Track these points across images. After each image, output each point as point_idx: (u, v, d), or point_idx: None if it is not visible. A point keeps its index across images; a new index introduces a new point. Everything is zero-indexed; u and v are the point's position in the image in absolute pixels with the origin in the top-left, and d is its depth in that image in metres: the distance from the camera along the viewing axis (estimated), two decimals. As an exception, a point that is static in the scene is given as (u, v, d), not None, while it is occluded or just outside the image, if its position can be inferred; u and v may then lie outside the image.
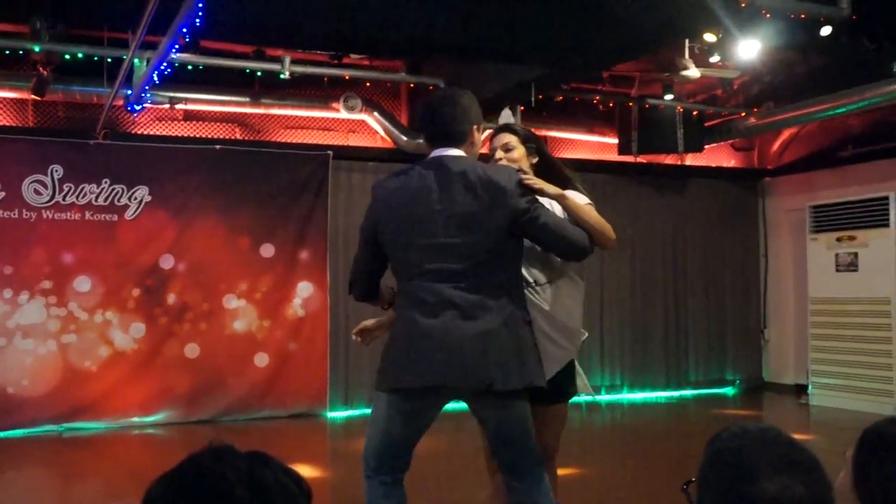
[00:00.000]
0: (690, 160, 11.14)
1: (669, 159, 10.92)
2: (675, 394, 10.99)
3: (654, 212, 11.04)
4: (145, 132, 9.25)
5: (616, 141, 10.38)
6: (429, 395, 3.44)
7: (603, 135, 10.59)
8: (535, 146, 3.95)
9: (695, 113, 10.17)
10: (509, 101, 9.02)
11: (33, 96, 8.43)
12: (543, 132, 10.57)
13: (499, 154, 3.88)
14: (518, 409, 3.44)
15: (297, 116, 9.76)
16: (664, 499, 6.00)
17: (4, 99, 8.79)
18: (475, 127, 3.61)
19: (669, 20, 6.81)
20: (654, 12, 6.72)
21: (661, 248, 11.08)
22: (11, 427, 8.33)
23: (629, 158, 10.45)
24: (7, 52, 7.97)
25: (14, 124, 8.88)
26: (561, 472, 6.79)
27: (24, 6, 7.49)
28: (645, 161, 10.73)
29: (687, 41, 8.17)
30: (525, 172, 3.57)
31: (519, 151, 3.88)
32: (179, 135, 9.39)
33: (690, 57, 8.42)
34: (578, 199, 3.75)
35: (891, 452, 1.74)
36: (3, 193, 8.39)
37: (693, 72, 8.51)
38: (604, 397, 10.64)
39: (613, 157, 10.56)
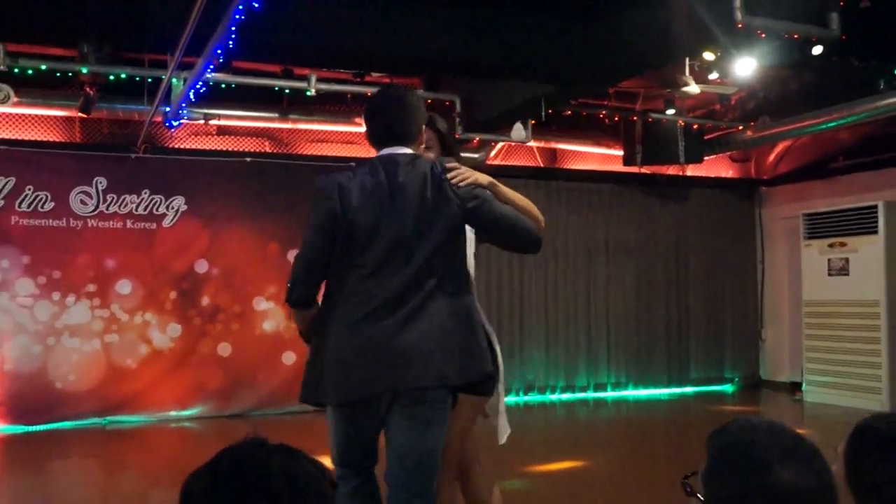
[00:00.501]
0: (691, 171, 11.17)
1: (671, 170, 10.94)
2: (677, 391, 11.05)
3: (657, 219, 11.12)
4: (182, 146, 9.34)
5: (621, 153, 10.41)
6: (374, 402, 3.14)
7: (609, 147, 10.63)
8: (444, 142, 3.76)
9: (695, 126, 10.19)
10: (520, 115, 9.09)
11: (80, 114, 8.52)
12: (553, 145, 10.66)
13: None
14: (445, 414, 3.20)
15: (322, 131, 9.80)
16: (667, 491, 6.22)
17: (54, 117, 8.90)
18: (423, 126, 3.44)
19: (671, 40, 6.77)
20: (656, 33, 6.74)
21: (664, 254, 11.15)
22: (59, 419, 8.47)
23: (634, 169, 10.49)
24: (57, 73, 8.03)
25: (63, 140, 9.00)
26: (568, 464, 6.94)
27: (73, 31, 7.53)
28: (648, 172, 10.76)
29: (687, 59, 8.16)
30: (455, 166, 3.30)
31: (436, 151, 3.72)
32: (213, 148, 9.48)
33: (691, 74, 8.43)
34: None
35: (879, 446, 1.78)
36: (52, 204, 8.55)
37: (693, 88, 8.55)
38: (610, 394, 10.77)
39: (619, 167, 10.60)
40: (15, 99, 8.13)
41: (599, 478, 6.60)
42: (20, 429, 8.39)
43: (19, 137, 8.73)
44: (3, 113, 8.60)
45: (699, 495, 1.64)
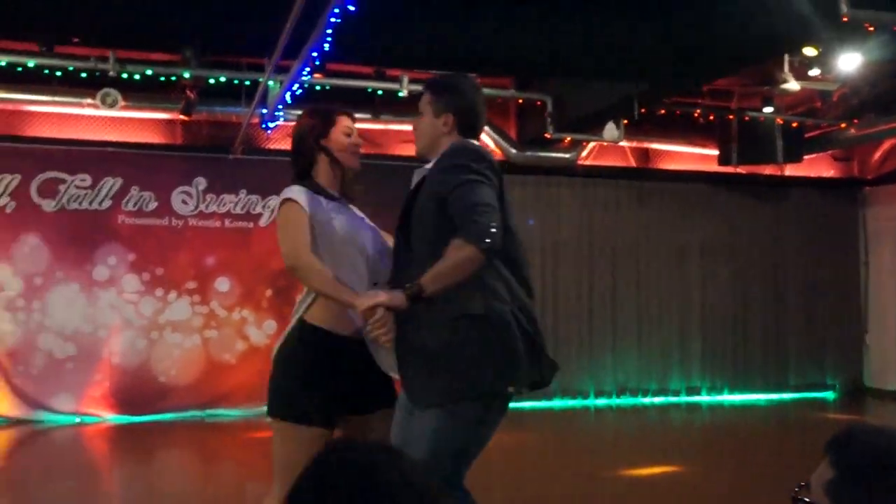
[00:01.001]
0: (790, 171, 10.86)
1: (769, 170, 10.67)
2: (775, 397, 10.71)
3: (754, 220, 10.82)
4: (277, 147, 9.41)
5: (716, 152, 10.18)
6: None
7: (703, 146, 10.40)
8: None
9: (794, 124, 9.90)
10: (613, 115, 9.05)
11: (181, 117, 8.79)
12: (645, 144, 10.57)
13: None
14: None
15: (411, 131, 9.86)
16: (763, 498, 5.91)
17: (158, 120, 9.15)
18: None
19: (770, 36, 6.64)
20: (754, 28, 6.58)
21: (760, 256, 10.84)
22: (162, 411, 8.73)
23: (729, 169, 10.23)
24: (161, 78, 8.27)
25: (165, 142, 9.25)
26: (661, 469, 6.79)
27: (176, 38, 7.79)
28: (744, 171, 10.49)
29: (787, 55, 7.98)
30: None
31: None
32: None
33: (790, 70, 8.22)
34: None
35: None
36: (155, 203, 8.81)
37: (793, 85, 8.30)
38: (704, 398, 10.51)
39: (714, 167, 10.36)
40: (122, 103, 8.42)
41: (691, 484, 6.45)
42: (126, 419, 8.67)
43: (125, 140, 9.00)
44: (111, 117, 8.84)
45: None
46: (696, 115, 9.90)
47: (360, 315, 2.93)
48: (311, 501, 1.36)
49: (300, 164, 3.55)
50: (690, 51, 7.24)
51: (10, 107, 8.65)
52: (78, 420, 8.45)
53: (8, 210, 8.49)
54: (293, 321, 3.25)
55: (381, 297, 2.85)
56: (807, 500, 1.56)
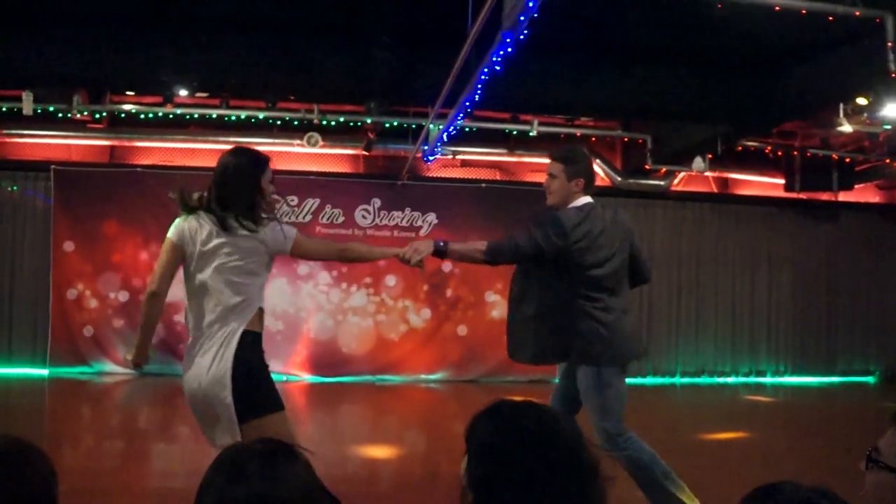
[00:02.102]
0: (842, 197, 10.56)
1: (825, 196, 10.44)
2: (826, 380, 10.50)
3: (813, 237, 10.62)
4: (435, 175, 9.75)
5: (783, 181, 10.06)
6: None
7: (772, 176, 10.26)
8: None
9: (847, 160, 9.71)
10: (700, 151, 8.94)
11: (363, 152, 9.18)
12: (725, 174, 10.40)
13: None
14: None
15: (540, 163, 9.68)
16: (815, 455, 5.97)
17: (346, 154, 9.56)
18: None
19: (830, 88, 6.62)
20: (817, 81, 6.60)
21: (817, 265, 10.62)
22: (345, 375, 9.11)
23: (793, 195, 10.13)
24: (350, 123, 8.69)
25: (351, 171, 9.66)
26: (732, 434, 6.81)
27: (362, 93, 7.96)
28: (805, 197, 10.35)
29: (842, 104, 7.92)
30: None
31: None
32: (457, 177, 9.84)
33: (845, 116, 8.11)
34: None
35: None
36: (343, 218, 9.24)
37: (846, 128, 8.08)
38: (768, 379, 10.38)
39: (780, 193, 10.27)
40: (321, 143, 8.90)
41: (756, 446, 6.45)
42: (318, 379, 9.09)
43: (322, 170, 9.47)
44: (313, 153, 9.31)
45: (889, 465, 1.49)
46: (767, 150, 9.76)
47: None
48: (499, 444, 1.38)
49: None
50: (764, 100, 7.22)
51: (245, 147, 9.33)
52: (285, 379, 8.85)
53: (240, 222, 9.14)
54: None
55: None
56: (880, 460, 1.51)
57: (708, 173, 9.88)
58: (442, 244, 3.63)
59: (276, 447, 1.35)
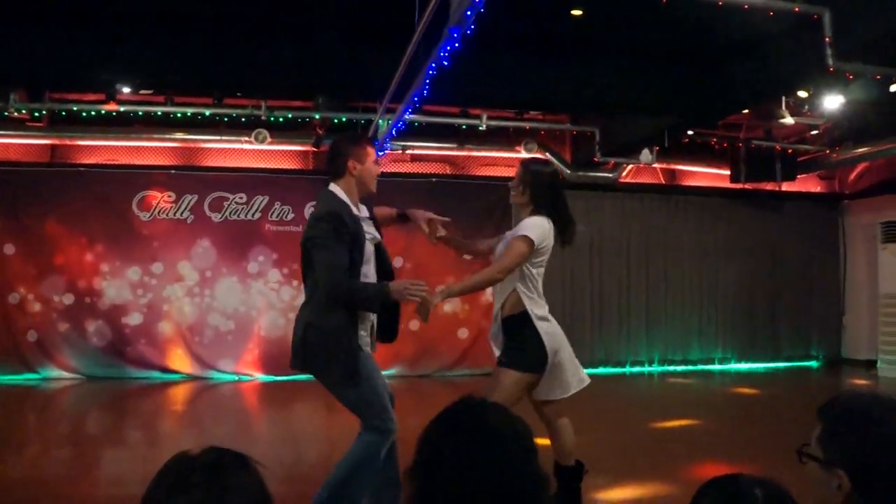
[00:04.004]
0: (785, 187, 10.82)
1: (769, 186, 10.65)
2: (772, 365, 10.77)
3: (758, 226, 10.87)
4: (385, 170, 9.65)
5: (728, 172, 10.25)
6: None
7: (718, 167, 10.46)
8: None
9: (789, 151, 9.94)
10: (647, 143, 9.09)
11: (312, 148, 9.11)
12: (672, 166, 10.57)
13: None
14: None
15: (490, 157, 9.97)
16: (763, 440, 6.10)
17: (295, 151, 9.50)
18: (353, 162, 3.47)
19: (771, 82, 6.75)
20: (760, 75, 6.71)
21: (762, 254, 10.88)
22: (297, 373, 8.92)
23: (738, 185, 10.34)
24: (298, 119, 8.65)
25: (300, 167, 9.59)
26: (683, 422, 6.88)
27: (310, 89, 8.07)
28: (750, 188, 10.56)
29: (784, 97, 8.07)
30: None
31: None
32: (407, 171, 9.84)
33: (786, 108, 8.26)
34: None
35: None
36: (293, 214, 9.18)
37: (788, 120, 8.34)
38: (717, 366, 10.60)
39: (726, 184, 10.48)
40: (270, 139, 8.81)
41: (706, 433, 6.55)
42: (270, 378, 9.02)
43: (272, 167, 9.41)
44: (262, 150, 9.21)
45: (817, 457, 1.55)
46: (712, 142, 10.00)
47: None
48: (435, 437, 1.42)
49: None
50: (709, 93, 7.35)
51: (191, 144, 9.17)
52: (236, 378, 8.82)
53: (188, 221, 8.99)
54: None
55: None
56: (805, 454, 1.58)
57: (655, 165, 10.02)
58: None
59: (224, 457, 1.30)
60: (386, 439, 3.42)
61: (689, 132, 9.37)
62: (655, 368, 10.38)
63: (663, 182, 10.85)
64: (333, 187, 3.51)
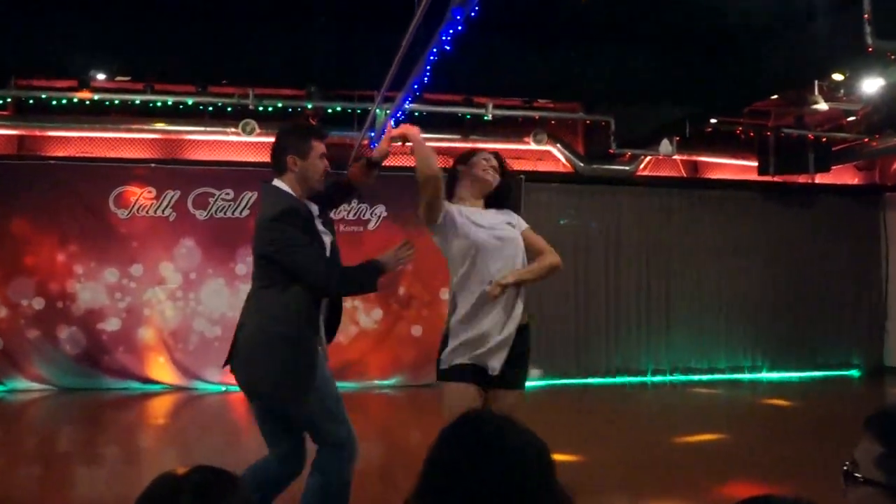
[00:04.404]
0: (819, 179, 10.79)
1: (801, 178, 10.61)
2: (807, 374, 10.71)
3: (789, 222, 10.82)
4: (383, 164, 9.80)
5: (756, 164, 10.22)
6: None
7: (745, 159, 10.44)
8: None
9: (823, 139, 9.89)
10: (667, 133, 9.06)
11: None
12: (694, 157, 10.55)
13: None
14: None
15: (496, 148, 9.90)
16: (797, 459, 6.09)
17: None
18: (291, 157, 3.46)
19: (803, 64, 6.69)
20: (790, 57, 6.65)
21: (795, 253, 10.82)
22: None
23: (767, 178, 10.29)
24: (289, 109, 8.65)
25: None
26: (709, 436, 6.92)
27: (301, 76, 8.01)
28: (780, 180, 10.49)
29: (817, 80, 7.98)
30: None
31: None
32: (408, 165, 9.89)
33: (820, 93, 8.25)
34: None
35: None
36: None
37: (822, 105, 8.27)
38: (746, 375, 10.59)
39: (753, 177, 10.43)
40: (258, 130, 8.81)
41: (735, 449, 6.54)
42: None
43: (261, 160, 9.21)
44: (250, 142, 9.22)
45: (871, 479, 1.47)
46: (738, 131, 9.97)
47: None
48: (448, 458, 1.42)
49: None
50: (734, 77, 7.28)
51: (173, 136, 9.16)
52: (224, 389, 8.78)
53: (170, 219, 8.99)
54: None
55: None
56: (858, 475, 1.49)
57: (676, 157, 10.02)
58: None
59: (213, 477, 1.33)
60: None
61: (713, 121, 9.33)
62: (678, 377, 10.35)
63: (684, 175, 10.82)
64: (278, 182, 3.50)
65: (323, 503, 3.41)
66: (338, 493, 3.46)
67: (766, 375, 10.68)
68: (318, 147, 3.54)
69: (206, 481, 1.32)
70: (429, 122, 9.07)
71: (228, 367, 3.50)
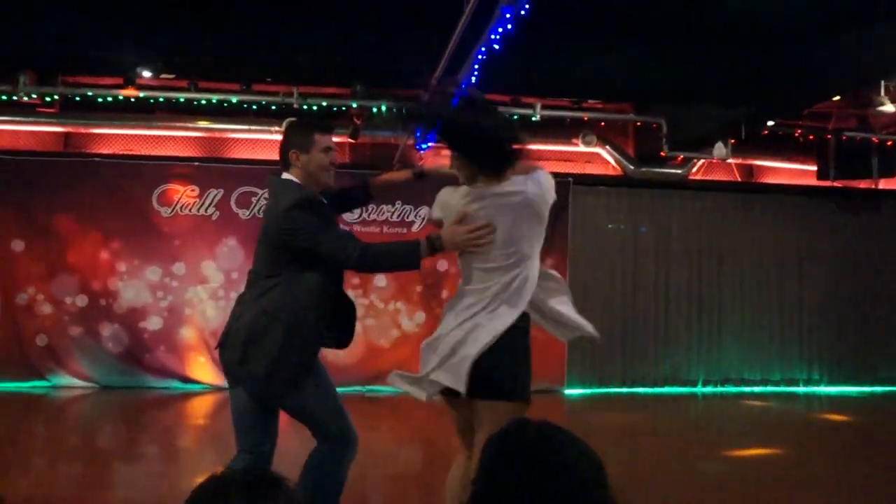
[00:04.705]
0: (883, 184, 10.58)
1: (864, 184, 10.43)
2: (866, 389, 10.47)
3: (849, 229, 10.58)
4: (429, 165, 9.77)
5: (815, 168, 10.04)
6: None
7: (803, 163, 10.24)
8: None
9: (889, 143, 9.71)
10: (721, 135, 8.98)
11: (349, 140, 9.10)
12: (750, 161, 10.40)
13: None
14: None
15: (544, 150, 9.82)
16: (858, 482, 5.86)
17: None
18: (293, 152, 3.46)
19: (868, 64, 6.59)
20: (854, 57, 6.55)
21: (854, 262, 10.57)
22: None
23: (827, 183, 10.10)
24: (333, 108, 8.70)
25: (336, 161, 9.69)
26: (761, 451, 6.80)
27: (347, 75, 8.10)
28: (841, 186, 10.31)
29: (883, 81, 7.86)
30: None
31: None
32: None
33: (886, 94, 8.12)
34: None
35: None
36: None
37: (888, 107, 8.15)
38: (802, 389, 10.38)
39: (812, 182, 10.24)
40: (302, 129, 8.84)
41: (787, 465, 6.42)
42: None
43: None
44: None
45: None
46: (797, 134, 9.81)
47: None
48: (503, 466, 1.44)
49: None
50: (794, 77, 7.18)
51: (216, 135, 9.26)
52: None
53: (213, 218, 9.07)
54: (516, 313, 3.13)
55: None
56: None
57: (730, 160, 9.88)
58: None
59: (260, 477, 1.40)
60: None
61: (770, 123, 9.16)
62: (729, 389, 10.18)
63: (739, 179, 10.65)
64: (286, 175, 3.52)
65: (314, 499, 3.38)
66: (331, 491, 3.46)
67: (822, 389, 10.45)
68: (322, 140, 3.53)
69: (255, 482, 1.37)
70: (474, 123, 9.15)
71: (218, 351, 3.51)
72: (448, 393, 3.16)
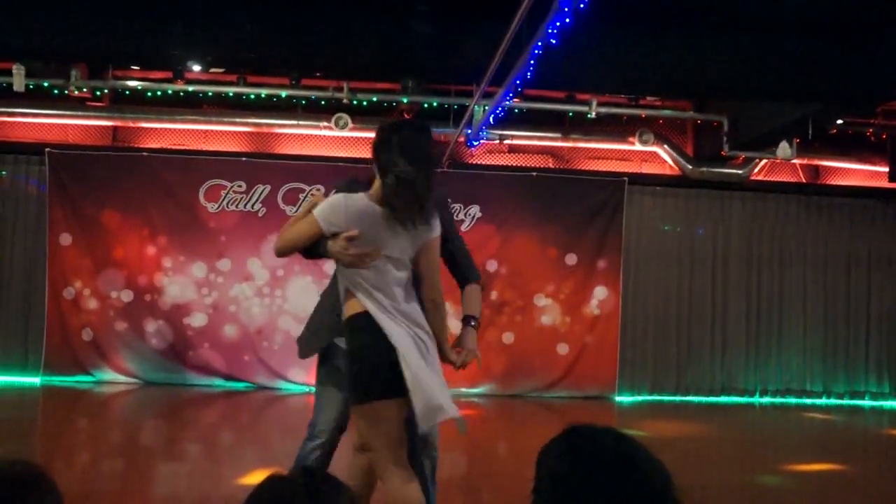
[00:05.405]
0: None
1: None
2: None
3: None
4: (479, 162, 9.77)
5: (887, 169, 9.82)
6: None
7: (874, 164, 10.04)
8: None
9: (968, 143, 9.52)
10: (786, 134, 8.83)
11: None
12: (816, 162, 10.23)
13: None
14: None
15: (599, 149, 9.87)
16: None
17: None
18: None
19: None
20: None
21: None
22: None
23: (898, 185, 9.91)
24: (384, 104, 8.78)
25: None
26: (822, 466, 6.70)
27: (398, 70, 8.05)
28: (914, 188, 10.13)
29: None
30: None
31: None
32: (504, 164, 9.83)
33: None
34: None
35: None
36: None
37: None
38: (868, 402, 10.18)
39: (884, 184, 10.04)
40: (351, 125, 8.94)
41: (851, 482, 6.31)
42: None
43: (353, 156, 9.44)
44: (342, 136, 9.33)
45: None
46: (868, 133, 9.60)
47: None
48: (566, 465, 1.43)
49: None
50: (865, 72, 7.02)
51: (264, 129, 9.38)
52: (308, 389, 8.81)
53: (260, 214, 9.21)
54: None
55: None
56: None
57: (795, 160, 9.67)
58: (473, 322, 3.82)
59: (320, 480, 1.46)
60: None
61: (839, 121, 8.96)
62: (789, 400, 10.03)
63: (804, 181, 10.48)
64: None
65: None
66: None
67: (890, 403, 10.22)
68: None
69: (315, 484, 1.43)
70: (528, 120, 9.25)
71: None
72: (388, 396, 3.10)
